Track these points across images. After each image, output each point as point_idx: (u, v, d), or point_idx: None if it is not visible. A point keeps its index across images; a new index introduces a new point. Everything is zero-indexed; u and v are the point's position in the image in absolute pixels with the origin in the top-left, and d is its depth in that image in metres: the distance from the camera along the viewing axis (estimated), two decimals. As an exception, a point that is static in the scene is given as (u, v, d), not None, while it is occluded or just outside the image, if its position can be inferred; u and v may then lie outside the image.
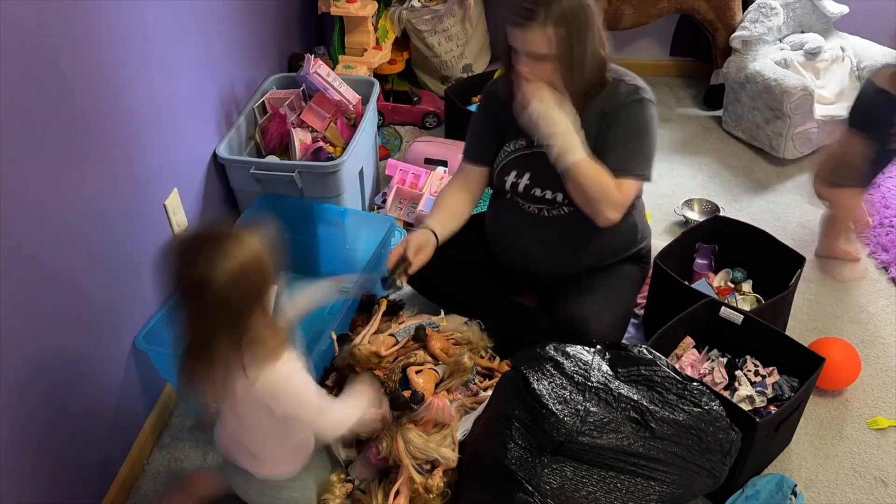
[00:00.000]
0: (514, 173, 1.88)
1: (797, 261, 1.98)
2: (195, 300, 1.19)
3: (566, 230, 1.87)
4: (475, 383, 1.85)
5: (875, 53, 2.90)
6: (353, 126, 2.46)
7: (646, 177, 1.80)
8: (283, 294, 1.54)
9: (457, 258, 1.98)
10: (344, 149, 2.27)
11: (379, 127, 2.91)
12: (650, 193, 2.75)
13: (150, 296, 1.85)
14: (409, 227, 2.49)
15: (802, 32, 3.05)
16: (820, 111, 2.80)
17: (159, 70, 1.84)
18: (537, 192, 1.86)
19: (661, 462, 1.48)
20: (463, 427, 1.72)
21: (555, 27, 1.62)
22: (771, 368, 1.80)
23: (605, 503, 1.46)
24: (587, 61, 1.70)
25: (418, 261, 1.81)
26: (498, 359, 1.94)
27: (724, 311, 1.85)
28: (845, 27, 3.08)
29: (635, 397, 1.52)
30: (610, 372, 1.58)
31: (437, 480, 1.61)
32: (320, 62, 2.43)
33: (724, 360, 1.85)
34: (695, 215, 2.59)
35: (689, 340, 1.89)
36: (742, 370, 1.81)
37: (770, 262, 2.06)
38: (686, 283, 1.98)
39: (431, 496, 1.61)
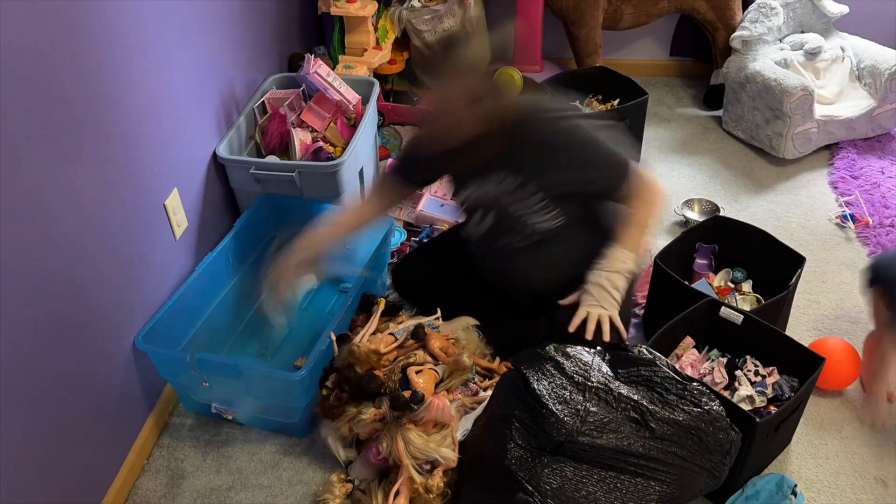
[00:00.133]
0: (479, 212, 1.82)
1: (797, 261, 1.98)
2: None
3: (538, 255, 1.81)
4: (475, 383, 1.85)
5: (875, 53, 2.90)
6: (353, 126, 2.46)
7: (630, 156, 1.71)
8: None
9: (447, 270, 1.97)
10: (344, 149, 2.27)
11: (379, 127, 2.91)
12: (650, 193, 2.75)
13: (150, 296, 1.85)
14: (409, 227, 2.49)
15: (802, 32, 3.05)
16: (820, 111, 2.81)
17: (159, 70, 1.84)
18: (501, 229, 1.81)
19: (661, 462, 1.48)
20: (463, 427, 1.72)
21: (441, 81, 1.61)
22: (771, 368, 1.80)
23: (605, 503, 1.46)
24: (470, 115, 1.63)
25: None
26: (498, 359, 1.94)
27: (724, 311, 1.85)
28: (845, 27, 3.09)
29: (635, 397, 1.52)
30: (610, 372, 1.58)
31: (437, 480, 1.61)
32: (320, 62, 2.43)
33: (724, 360, 1.86)
34: (695, 215, 2.59)
35: (689, 340, 1.89)
36: (742, 370, 1.81)
37: (770, 262, 2.06)
38: (686, 283, 1.98)
39: (431, 496, 1.61)
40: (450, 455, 1.64)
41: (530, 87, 2.98)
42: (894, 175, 2.75)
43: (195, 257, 2.08)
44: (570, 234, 1.76)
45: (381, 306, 2.00)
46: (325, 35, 3.15)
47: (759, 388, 1.77)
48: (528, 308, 1.93)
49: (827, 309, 2.24)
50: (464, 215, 1.88)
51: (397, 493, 1.61)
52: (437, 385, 1.81)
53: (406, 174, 1.87)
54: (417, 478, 1.61)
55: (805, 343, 1.86)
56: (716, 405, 1.54)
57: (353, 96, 2.46)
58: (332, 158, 2.25)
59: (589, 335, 1.66)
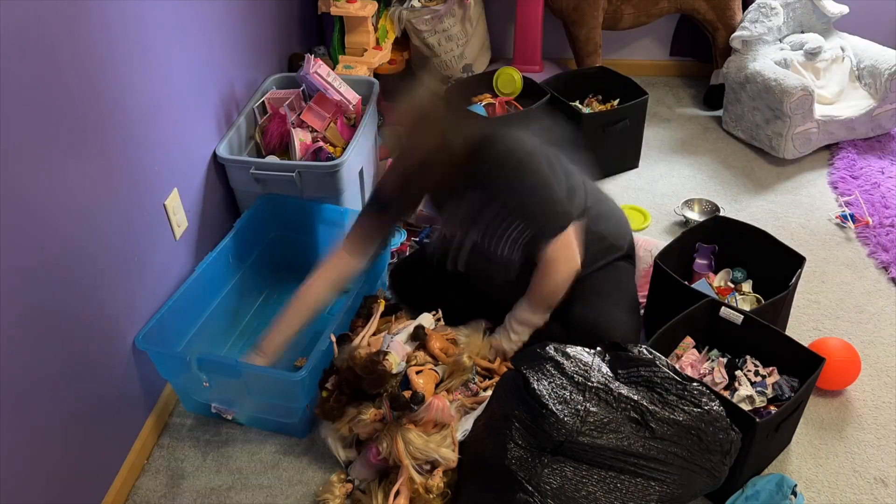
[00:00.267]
0: (449, 261, 1.89)
1: (797, 261, 1.98)
2: None
3: (521, 287, 1.84)
4: (475, 383, 1.85)
5: (875, 53, 2.90)
6: (353, 126, 2.46)
7: (565, 221, 1.72)
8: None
9: (446, 275, 1.97)
10: (344, 149, 2.27)
11: (379, 127, 2.91)
12: (650, 193, 2.76)
13: (150, 296, 1.85)
14: (409, 226, 2.48)
15: (802, 32, 3.05)
16: (820, 111, 2.81)
17: (159, 70, 1.84)
18: (476, 269, 1.87)
19: (661, 462, 1.48)
20: (463, 427, 1.72)
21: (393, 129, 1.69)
22: (771, 368, 1.80)
23: (605, 503, 1.46)
24: (426, 162, 1.72)
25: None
26: (498, 359, 1.94)
27: (724, 311, 1.85)
28: (845, 27, 3.09)
29: (635, 397, 1.52)
30: (610, 372, 1.58)
31: (437, 481, 1.61)
32: (320, 62, 2.43)
33: (724, 360, 1.85)
34: (695, 215, 2.59)
35: (689, 340, 1.89)
36: (742, 370, 1.81)
37: (770, 262, 2.06)
38: (686, 283, 1.98)
39: (431, 496, 1.61)
40: (450, 455, 1.64)
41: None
42: (894, 175, 2.75)
43: (195, 257, 2.08)
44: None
45: (381, 307, 2.00)
46: (325, 35, 3.15)
47: (759, 389, 1.77)
48: None
49: (827, 309, 2.24)
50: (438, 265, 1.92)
51: (397, 493, 1.62)
52: (437, 385, 1.81)
53: (381, 210, 1.90)
54: (417, 478, 1.61)
55: (805, 343, 1.86)
56: (716, 405, 1.54)
57: (353, 96, 2.46)
58: (332, 158, 2.25)
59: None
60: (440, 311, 1.98)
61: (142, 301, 1.81)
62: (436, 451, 1.63)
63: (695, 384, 1.56)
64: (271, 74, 2.59)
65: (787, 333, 1.88)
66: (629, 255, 1.98)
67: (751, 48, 2.95)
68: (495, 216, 1.76)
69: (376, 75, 2.93)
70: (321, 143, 2.33)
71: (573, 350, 1.62)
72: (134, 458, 1.80)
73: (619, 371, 1.59)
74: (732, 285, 2.15)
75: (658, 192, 2.75)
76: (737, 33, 2.96)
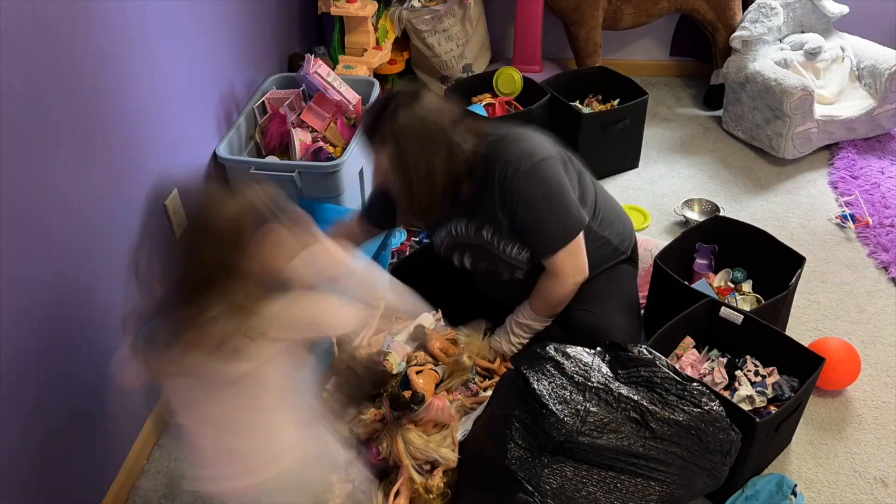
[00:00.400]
0: (456, 255, 1.88)
1: (797, 261, 1.98)
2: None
3: (525, 286, 1.84)
4: (475, 383, 1.85)
5: (875, 53, 2.90)
6: (353, 126, 2.46)
7: (576, 232, 1.72)
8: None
9: (447, 274, 1.97)
10: (344, 149, 2.27)
11: (379, 127, 2.90)
12: (650, 193, 2.76)
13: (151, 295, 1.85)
14: (408, 226, 2.48)
15: (802, 32, 3.05)
16: (820, 111, 2.80)
17: (160, 70, 1.84)
18: (483, 266, 1.85)
19: (661, 462, 1.48)
20: (463, 427, 1.72)
21: (389, 145, 1.59)
22: (771, 368, 1.80)
23: (605, 503, 1.46)
24: (430, 176, 1.61)
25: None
26: (498, 359, 1.94)
27: (724, 311, 1.85)
28: (845, 27, 3.09)
29: (635, 397, 1.52)
30: (610, 373, 1.58)
31: (437, 481, 1.61)
32: (320, 62, 2.43)
33: (724, 360, 1.85)
34: (695, 215, 2.59)
35: (689, 340, 1.89)
36: (742, 370, 1.81)
37: (770, 262, 2.06)
38: (686, 283, 1.98)
39: (431, 496, 1.61)
40: (450, 455, 1.64)
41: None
42: (894, 175, 2.75)
43: (195, 257, 2.08)
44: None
45: (381, 308, 1.99)
46: (325, 35, 3.15)
47: (759, 389, 1.77)
48: None
49: (827, 309, 2.24)
50: (444, 257, 1.90)
51: (397, 493, 1.61)
52: (437, 385, 1.81)
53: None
54: (417, 478, 1.61)
55: (805, 343, 1.86)
56: (716, 405, 1.54)
57: (353, 96, 2.46)
58: (332, 158, 2.25)
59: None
60: (440, 311, 1.98)
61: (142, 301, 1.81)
62: (436, 451, 1.63)
63: (695, 384, 1.56)
64: (271, 74, 2.59)
65: (787, 333, 1.89)
66: (632, 257, 1.98)
67: (751, 48, 2.95)
68: (508, 218, 1.73)
69: (377, 75, 2.93)
70: (321, 143, 2.33)
71: (573, 350, 1.62)
72: (134, 459, 1.80)
73: (619, 371, 1.59)
74: (732, 285, 2.15)
75: (658, 192, 2.75)
76: (737, 33, 2.96)
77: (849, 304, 2.26)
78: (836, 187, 2.74)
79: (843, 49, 2.98)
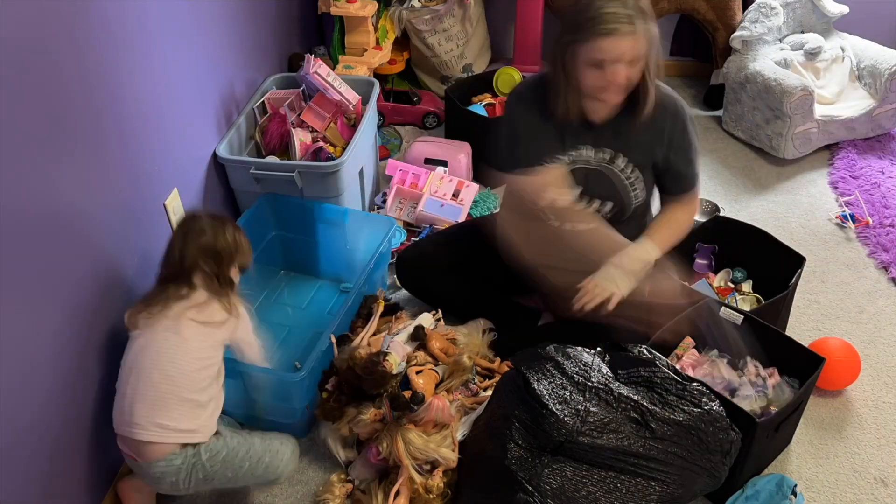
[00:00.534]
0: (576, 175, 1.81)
1: (797, 261, 1.98)
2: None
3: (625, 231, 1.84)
4: (475, 383, 1.85)
5: (875, 53, 2.90)
6: (353, 126, 2.46)
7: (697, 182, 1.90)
8: None
9: (453, 263, 1.96)
10: (344, 149, 2.27)
11: (379, 127, 2.91)
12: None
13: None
14: (409, 227, 2.48)
15: (802, 32, 3.05)
16: (820, 111, 2.81)
17: (160, 70, 1.84)
18: (595, 190, 1.83)
19: (661, 462, 1.48)
20: (463, 427, 1.72)
21: (646, 25, 1.62)
22: (771, 370, 1.80)
23: (605, 503, 1.46)
24: (658, 70, 1.73)
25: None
26: (498, 359, 1.94)
27: (724, 311, 1.85)
28: (845, 27, 3.09)
29: (635, 398, 1.52)
30: (610, 373, 1.58)
31: (437, 481, 1.61)
32: (320, 62, 2.43)
33: (724, 360, 1.85)
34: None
35: (689, 340, 1.89)
36: (742, 371, 1.81)
37: (770, 262, 2.06)
38: (686, 283, 1.98)
39: (431, 496, 1.61)
40: (450, 455, 1.64)
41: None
42: (894, 175, 2.75)
43: (195, 257, 2.08)
44: (636, 216, 1.89)
45: (381, 308, 2.00)
46: (325, 35, 3.15)
47: (759, 390, 1.77)
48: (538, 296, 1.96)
49: (827, 309, 2.24)
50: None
51: (397, 493, 1.62)
52: (437, 385, 1.81)
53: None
54: (417, 478, 1.61)
55: (805, 343, 1.86)
56: (716, 405, 1.54)
57: (353, 96, 2.46)
58: (332, 158, 2.25)
59: (579, 305, 1.70)
60: (440, 311, 1.98)
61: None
62: (436, 451, 1.63)
63: (695, 384, 1.56)
64: (271, 74, 2.59)
65: (787, 333, 1.89)
66: None
67: (751, 48, 2.95)
68: (665, 150, 1.81)
69: (377, 75, 2.93)
70: (321, 143, 2.33)
71: (573, 350, 1.62)
72: (134, 458, 1.80)
73: (619, 371, 1.60)
74: (732, 285, 2.15)
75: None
76: (737, 33, 2.96)
77: (849, 304, 2.26)
78: (836, 187, 2.74)
79: (843, 49, 2.98)
